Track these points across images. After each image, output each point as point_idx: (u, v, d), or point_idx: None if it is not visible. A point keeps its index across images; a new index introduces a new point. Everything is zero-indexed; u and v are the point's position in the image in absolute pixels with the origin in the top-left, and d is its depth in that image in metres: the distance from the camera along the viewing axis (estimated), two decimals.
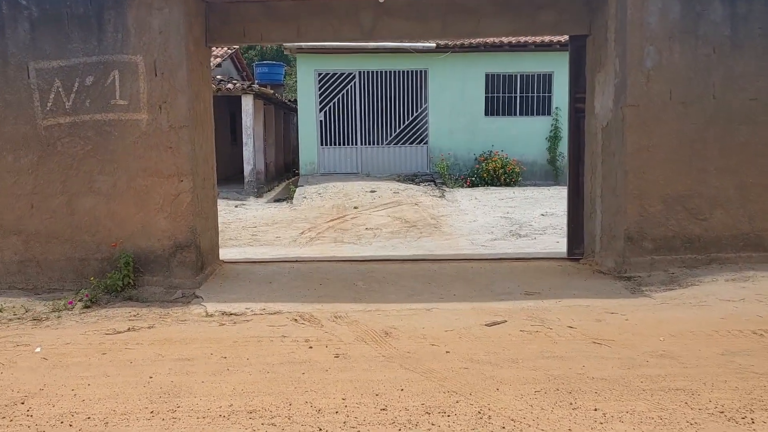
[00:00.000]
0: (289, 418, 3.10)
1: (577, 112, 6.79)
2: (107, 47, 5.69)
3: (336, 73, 15.87)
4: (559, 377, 3.60)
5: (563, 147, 15.72)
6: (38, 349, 4.25)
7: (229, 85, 14.58)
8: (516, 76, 15.98)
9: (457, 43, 15.65)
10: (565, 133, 15.56)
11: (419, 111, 16.19)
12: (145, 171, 5.78)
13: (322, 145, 15.97)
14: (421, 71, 16.01)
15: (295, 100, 17.24)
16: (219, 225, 10.38)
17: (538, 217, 10.29)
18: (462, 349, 4.11)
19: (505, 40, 15.55)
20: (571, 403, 3.23)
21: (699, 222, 5.87)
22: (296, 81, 16.67)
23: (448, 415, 3.10)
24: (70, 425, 3.08)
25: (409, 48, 15.60)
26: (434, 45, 15.54)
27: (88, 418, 3.16)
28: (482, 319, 4.77)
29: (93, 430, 3.02)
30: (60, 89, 5.72)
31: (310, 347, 4.20)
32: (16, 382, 3.67)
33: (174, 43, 5.67)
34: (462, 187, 14.71)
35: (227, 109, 18.81)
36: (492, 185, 14.83)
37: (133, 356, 4.09)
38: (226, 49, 19.39)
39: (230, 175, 18.18)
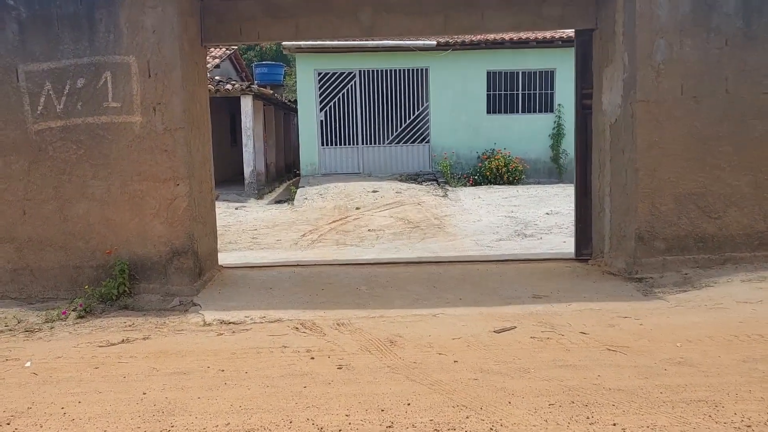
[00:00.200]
0: None
1: (583, 108, 6.59)
2: (99, 48, 5.51)
3: (336, 73, 15.68)
4: (574, 388, 3.41)
5: (566, 144, 15.53)
6: (28, 364, 4.07)
7: (228, 86, 14.41)
8: (518, 73, 15.79)
9: (458, 40, 15.47)
10: (568, 130, 15.39)
11: (420, 110, 16.00)
12: (139, 175, 5.61)
13: (322, 145, 15.79)
14: (421, 69, 15.82)
15: (296, 101, 17.05)
16: (218, 228, 10.22)
17: (543, 216, 10.09)
18: (470, 358, 3.93)
19: (506, 37, 15.37)
20: (588, 417, 3.05)
21: (712, 220, 5.68)
22: (296, 81, 16.48)
23: None
24: None
25: (409, 46, 15.42)
26: (435, 43, 15.36)
27: None
28: (490, 325, 4.59)
29: None
30: (51, 92, 5.54)
31: (312, 358, 4.02)
32: (3, 400, 3.50)
33: (168, 42, 5.49)
34: (465, 186, 14.52)
35: (227, 111, 18.64)
36: (495, 184, 14.64)
37: (126, 370, 3.91)
38: (224, 50, 19.23)
39: (230, 177, 18.02)
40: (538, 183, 14.90)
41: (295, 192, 13.75)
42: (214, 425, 3.07)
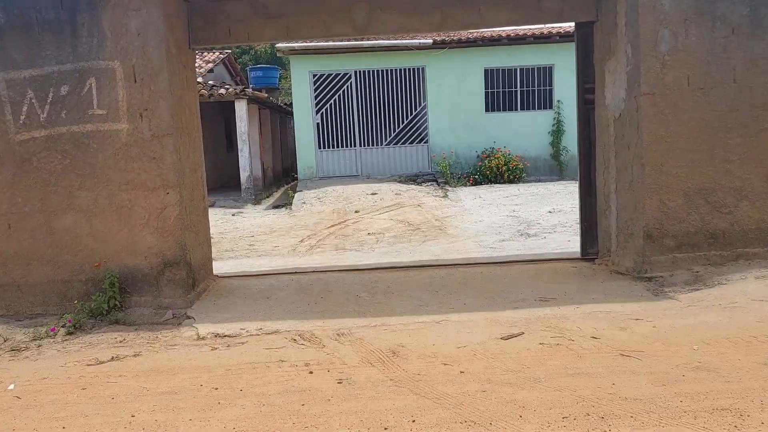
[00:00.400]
0: None
1: (586, 103, 6.39)
2: (82, 53, 5.31)
3: (331, 74, 15.49)
4: (588, 399, 3.21)
5: (567, 141, 15.33)
6: (11, 387, 3.87)
7: (222, 90, 14.21)
8: (515, 70, 15.59)
9: (454, 38, 15.29)
10: (568, 126, 15.19)
11: (418, 109, 15.80)
12: (127, 184, 5.40)
13: (320, 148, 15.60)
14: (418, 68, 15.62)
15: (292, 104, 16.86)
16: (214, 236, 10.03)
17: (545, 215, 9.89)
18: (477, 368, 3.73)
19: (503, 33, 15.19)
20: (605, 431, 2.85)
21: (723, 216, 5.47)
22: (291, 84, 16.29)
23: None
24: None
25: (405, 45, 15.23)
26: (431, 41, 15.17)
27: None
28: (497, 332, 4.39)
29: None
30: (33, 101, 5.35)
31: (311, 372, 3.82)
32: None
33: (153, 45, 5.29)
34: (465, 185, 14.32)
35: (222, 116, 18.45)
36: (496, 183, 14.44)
37: (115, 391, 3.71)
38: (218, 54, 19.05)
39: (227, 183, 17.82)
40: (539, 181, 14.71)
41: (293, 196, 13.55)
42: None
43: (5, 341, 4.89)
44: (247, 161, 14.45)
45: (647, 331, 4.24)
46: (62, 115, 5.36)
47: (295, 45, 15.04)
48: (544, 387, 3.40)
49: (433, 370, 3.73)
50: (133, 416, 3.31)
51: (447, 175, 14.71)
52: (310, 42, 15.17)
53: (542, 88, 15.72)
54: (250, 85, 20.58)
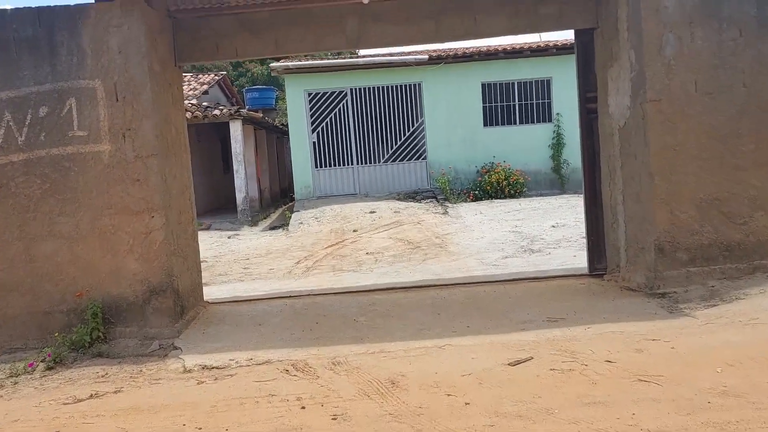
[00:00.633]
0: None
1: (588, 112, 6.16)
2: (62, 73, 5.08)
3: (327, 92, 15.31)
4: None
5: (567, 154, 15.10)
6: None
7: (216, 111, 14.02)
8: (513, 83, 15.40)
9: (450, 53, 15.15)
10: (568, 139, 14.98)
11: (415, 126, 15.60)
12: (110, 208, 5.14)
13: (316, 167, 15.36)
14: (414, 85, 15.45)
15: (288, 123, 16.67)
16: (208, 259, 9.74)
17: (549, 229, 9.60)
18: (484, 398, 3.43)
19: (499, 47, 15.05)
20: None
21: (738, 227, 5.20)
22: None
23: None
24: None
25: (401, 62, 15.07)
26: (427, 57, 15.03)
27: None
28: (503, 357, 4.09)
29: None
30: (11, 123, 5.11)
31: (303, 408, 3.52)
32: None
33: (135, 63, 5.06)
34: (465, 201, 14.06)
35: (218, 137, 18.27)
36: (496, 198, 14.18)
37: None
38: (213, 75, 18.94)
39: (224, 205, 17.58)
40: (541, 195, 14.43)
41: (290, 217, 13.29)
42: None
43: None
44: (243, 182, 14.21)
45: (665, 352, 3.94)
46: (41, 138, 5.12)
47: (290, 64, 14.89)
48: (558, 419, 3.11)
49: (436, 402, 3.43)
50: None
51: (446, 191, 14.46)
52: (305, 60, 15.03)
53: (541, 101, 15.52)
54: (246, 106, 20.44)
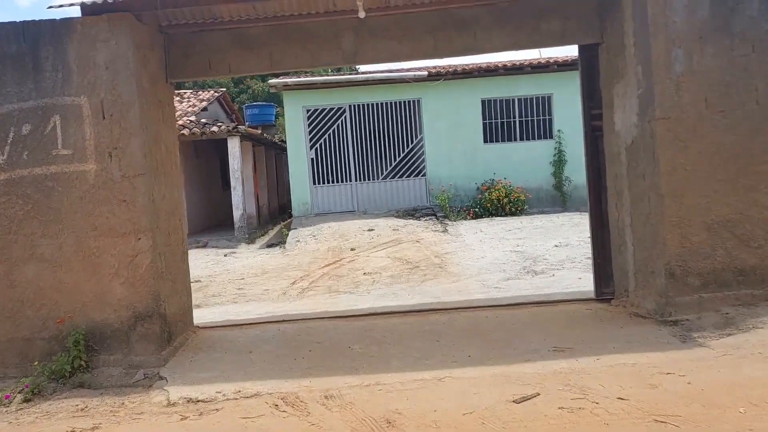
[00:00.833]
0: None
1: (593, 130, 5.95)
2: (46, 89, 4.88)
3: (325, 109, 15.15)
4: None
5: (569, 171, 14.91)
6: None
7: (214, 128, 13.85)
8: (513, 100, 15.24)
9: (450, 69, 15.00)
10: (570, 156, 14.80)
11: (415, 142, 15.42)
12: (95, 230, 4.91)
13: (314, 183, 15.15)
14: (413, 101, 15.29)
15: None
16: (203, 279, 9.50)
17: (552, 249, 9.36)
18: None
19: (500, 64, 14.92)
20: None
21: (753, 250, 4.95)
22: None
23: None
24: None
25: (400, 78, 14.94)
26: (426, 73, 14.89)
27: None
28: (507, 392, 3.83)
29: None
30: None
31: None
32: None
33: (123, 79, 4.86)
34: (465, 219, 13.83)
35: (217, 153, 18.09)
36: (497, 215, 13.94)
37: None
38: (212, 92, 18.81)
39: (222, 221, 17.36)
40: (542, 213, 14.20)
41: (287, 234, 13.05)
42: None
43: None
44: (240, 199, 14.00)
45: (682, 388, 3.68)
46: (24, 157, 4.90)
47: (288, 80, 14.77)
48: None
49: None
50: None
51: (446, 208, 14.23)
52: (303, 77, 14.90)
53: (541, 117, 15.35)
54: (246, 123, 20.30)
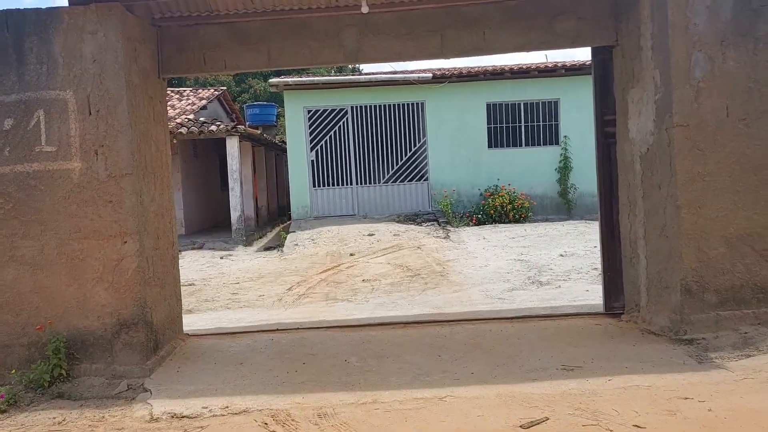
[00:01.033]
0: None
1: (605, 137, 5.69)
2: (30, 83, 4.63)
3: (327, 110, 14.89)
4: None
5: (575, 178, 14.64)
6: None
7: (213, 127, 13.59)
8: (519, 104, 14.98)
9: (455, 72, 14.75)
10: (576, 163, 14.54)
11: (417, 146, 15.15)
12: (79, 232, 4.65)
13: (314, 186, 14.88)
14: (417, 104, 15.03)
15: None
16: (197, 282, 9.23)
17: (557, 259, 9.08)
18: None
19: (506, 67, 14.66)
20: None
21: None
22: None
23: None
24: None
25: (403, 80, 14.69)
26: (430, 75, 14.64)
27: None
28: (513, 415, 3.55)
29: None
30: None
31: None
32: None
33: (111, 73, 4.61)
34: (468, 225, 13.55)
35: (216, 154, 17.83)
36: (500, 222, 13.66)
37: None
38: (212, 90, 18.57)
39: (221, 222, 17.09)
40: (547, 220, 13.92)
41: (285, 237, 12.78)
42: None
43: None
44: (239, 200, 13.73)
45: (702, 416, 3.41)
46: (5, 153, 4.65)
47: (289, 80, 14.52)
48: None
49: None
50: None
51: (448, 214, 13.96)
52: (305, 77, 14.65)
53: (548, 123, 15.08)
54: (247, 123, 20.06)
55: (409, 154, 15.16)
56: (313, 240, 12.17)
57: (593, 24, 5.47)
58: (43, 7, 4.65)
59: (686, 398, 3.67)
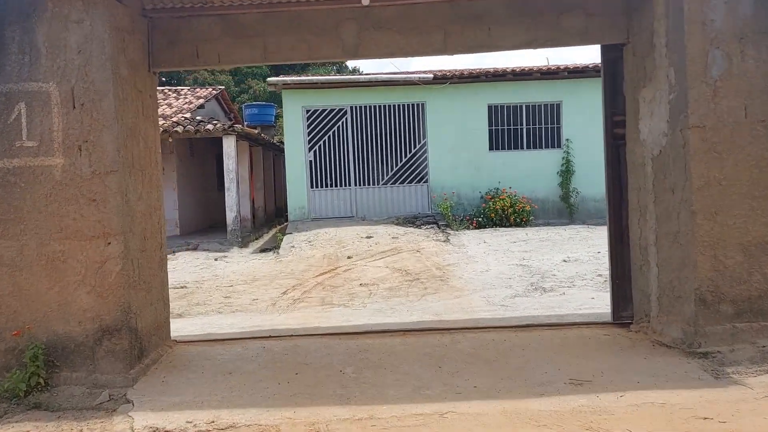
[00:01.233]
0: None
1: (615, 139, 5.45)
2: (10, 74, 4.38)
3: (325, 110, 14.65)
4: None
5: (577, 182, 14.41)
6: None
7: (209, 126, 13.34)
8: (521, 106, 14.75)
9: (456, 73, 14.52)
10: (578, 166, 14.32)
11: (417, 147, 14.91)
12: (60, 232, 4.40)
13: (312, 187, 14.63)
14: (418, 104, 14.79)
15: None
16: (189, 284, 8.97)
17: (560, 264, 8.84)
18: None
19: (508, 68, 14.43)
20: None
21: None
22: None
23: None
24: None
25: (404, 80, 14.46)
26: (431, 76, 14.41)
27: None
28: None
29: None
30: None
31: None
32: None
33: (97, 65, 4.37)
34: (468, 229, 13.30)
35: (213, 153, 17.58)
36: (501, 226, 13.42)
37: None
38: (210, 89, 18.32)
39: (218, 222, 16.83)
40: (548, 224, 13.68)
41: (282, 239, 12.52)
42: None
43: None
44: (235, 201, 13.48)
45: None
46: None
47: (288, 79, 14.29)
48: None
49: None
50: None
51: (448, 217, 13.71)
52: (304, 76, 14.42)
53: (550, 125, 14.85)
54: (245, 122, 19.82)
55: (408, 156, 14.93)
56: (309, 242, 11.92)
57: (603, 20, 5.24)
58: None
59: (705, 418, 3.43)
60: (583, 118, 14.05)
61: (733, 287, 4.45)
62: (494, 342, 5.07)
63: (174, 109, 15.51)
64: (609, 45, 5.39)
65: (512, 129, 14.80)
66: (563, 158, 14.54)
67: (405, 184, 14.83)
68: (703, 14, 4.40)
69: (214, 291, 8.43)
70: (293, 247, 11.69)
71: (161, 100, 16.67)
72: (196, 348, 5.25)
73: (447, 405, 3.81)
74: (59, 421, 3.91)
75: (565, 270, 8.40)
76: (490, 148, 14.73)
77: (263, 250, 12.69)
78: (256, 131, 16.08)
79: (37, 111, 4.39)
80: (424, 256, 10.33)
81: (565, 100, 14.53)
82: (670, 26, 4.59)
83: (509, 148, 14.79)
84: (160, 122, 13.31)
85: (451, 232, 12.70)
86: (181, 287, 8.61)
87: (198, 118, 14.48)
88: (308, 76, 14.82)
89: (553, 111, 14.78)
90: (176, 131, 13.03)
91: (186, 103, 16.38)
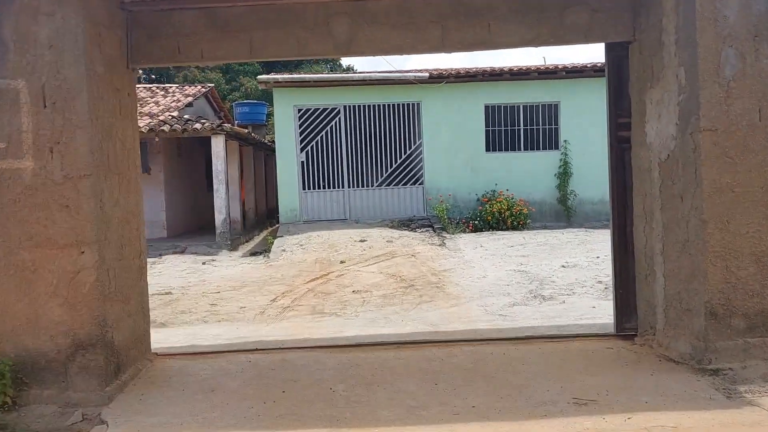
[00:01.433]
0: None
1: (619, 142, 5.19)
2: None
3: (318, 109, 14.36)
4: None
5: (575, 184, 14.19)
6: None
7: (197, 125, 13.02)
8: (518, 107, 14.51)
9: (452, 72, 14.28)
10: (576, 169, 14.10)
11: (413, 148, 14.65)
12: (30, 240, 4.12)
13: (304, 189, 14.34)
14: (413, 104, 14.53)
15: None
16: (175, 290, 8.66)
17: (559, 270, 8.60)
18: None
19: (505, 68, 14.19)
20: None
21: None
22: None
23: None
24: None
25: (399, 79, 14.19)
26: (427, 75, 14.16)
27: None
28: None
29: None
30: None
31: None
32: None
33: (70, 61, 4.08)
34: (464, 232, 13.05)
35: (202, 153, 17.25)
36: (498, 229, 13.17)
37: None
38: (199, 87, 18.00)
39: (206, 224, 16.51)
40: (546, 228, 13.44)
41: (272, 242, 12.23)
42: None
43: None
44: (224, 202, 13.17)
45: None
46: None
47: (279, 77, 14.02)
48: None
49: None
50: None
51: (444, 220, 13.46)
52: (296, 74, 14.13)
53: (547, 126, 14.61)
54: (236, 122, 19.49)
55: (403, 157, 14.66)
56: (301, 245, 11.64)
57: (608, 17, 4.98)
58: None
59: None
60: (582, 119, 13.84)
61: (746, 300, 4.21)
62: (493, 356, 4.82)
63: (161, 108, 15.18)
64: (614, 43, 5.13)
65: (509, 130, 14.57)
66: (561, 160, 14.31)
67: (400, 186, 14.56)
68: (715, 10, 4.15)
69: (200, 298, 8.14)
70: (284, 250, 11.41)
71: (149, 98, 16.34)
72: (177, 362, 4.97)
73: (444, 427, 3.55)
74: None
75: (564, 276, 8.15)
76: (487, 149, 14.49)
77: (253, 253, 12.40)
78: (246, 131, 15.77)
79: (4, 110, 4.10)
80: (420, 260, 10.07)
81: (563, 101, 14.31)
82: (681, 23, 4.34)
83: (506, 150, 14.55)
84: (147, 121, 13.00)
85: (447, 235, 12.44)
86: (166, 293, 8.31)
87: (186, 116, 14.17)
88: (300, 73, 14.50)
89: (551, 112, 14.54)
90: (163, 130, 12.72)
91: (174, 101, 16.06)
